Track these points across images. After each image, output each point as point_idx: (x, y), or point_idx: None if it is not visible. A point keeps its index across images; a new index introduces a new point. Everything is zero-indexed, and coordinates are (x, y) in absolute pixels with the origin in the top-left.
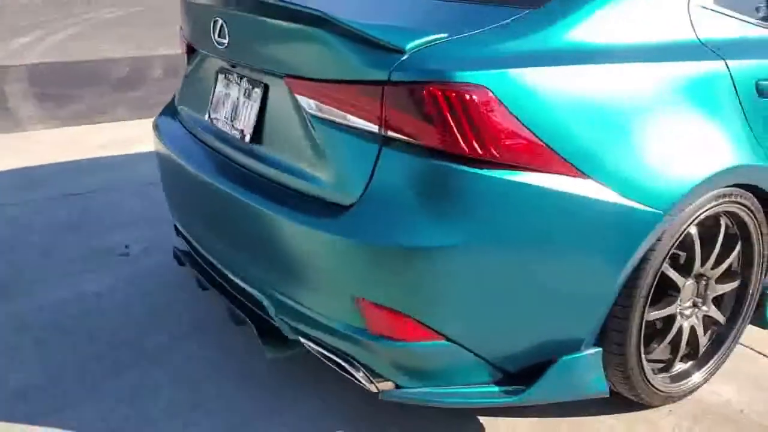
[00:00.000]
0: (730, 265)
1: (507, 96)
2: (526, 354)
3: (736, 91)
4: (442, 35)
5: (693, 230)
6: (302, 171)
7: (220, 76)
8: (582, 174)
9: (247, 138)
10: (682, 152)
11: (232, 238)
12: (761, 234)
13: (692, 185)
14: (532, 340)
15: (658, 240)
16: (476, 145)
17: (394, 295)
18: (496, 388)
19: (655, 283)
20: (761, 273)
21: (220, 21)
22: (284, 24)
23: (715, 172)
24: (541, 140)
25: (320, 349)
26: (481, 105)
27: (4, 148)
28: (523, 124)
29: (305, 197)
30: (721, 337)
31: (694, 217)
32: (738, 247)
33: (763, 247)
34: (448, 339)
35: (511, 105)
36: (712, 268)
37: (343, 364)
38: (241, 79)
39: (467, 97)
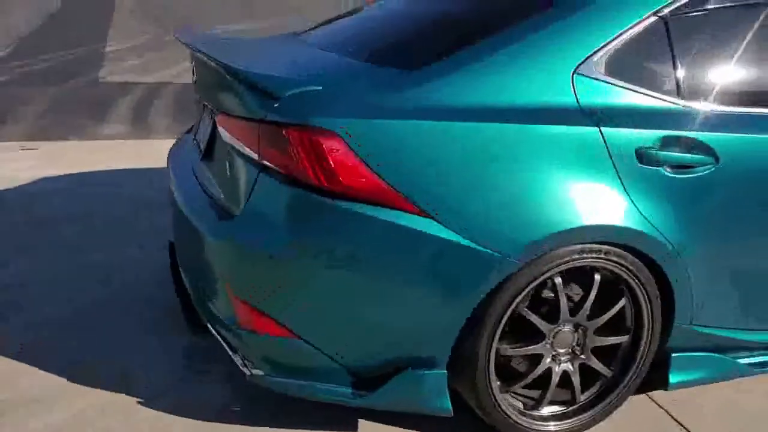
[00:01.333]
0: (623, 320)
1: (356, 142)
2: (374, 363)
3: (611, 156)
4: (316, 87)
5: (558, 279)
6: (220, 185)
7: (204, 106)
8: (426, 214)
9: (202, 152)
10: (536, 206)
11: (183, 240)
12: (647, 294)
13: (543, 236)
14: (378, 352)
15: (506, 282)
16: (323, 179)
17: (254, 294)
18: (345, 389)
19: (504, 320)
20: (651, 333)
21: (193, 62)
22: (213, 70)
23: (571, 227)
24: (386, 181)
25: (218, 336)
26: (328, 147)
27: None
28: (367, 166)
29: (220, 207)
30: (608, 390)
31: (551, 266)
32: (623, 303)
33: (651, 308)
34: (300, 338)
35: (358, 149)
36: (589, 320)
37: (228, 350)
38: (205, 108)
39: (318, 139)
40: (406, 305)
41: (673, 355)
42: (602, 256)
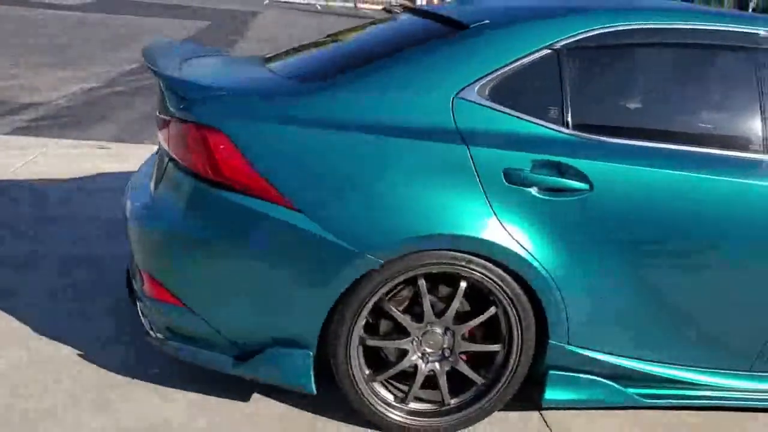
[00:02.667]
0: (497, 330)
1: (241, 140)
2: (251, 338)
3: (477, 173)
4: (220, 92)
5: (421, 281)
6: (154, 177)
7: None
8: (297, 208)
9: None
10: (398, 212)
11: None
12: (515, 307)
13: (400, 239)
14: (253, 328)
15: (365, 277)
16: (209, 170)
17: (154, 267)
18: (226, 358)
19: (363, 312)
20: (521, 346)
21: None
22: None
23: (428, 234)
24: (264, 177)
25: (136, 305)
26: (215, 143)
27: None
28: (249, 162)
29: (147, 196)
30: (480, 397)
31: (411, 269)
32: (491, 313)
33: (520, 321)
34: (188, 308)
35: (242, 147)
36: (455, 324)
37: (141, 316)
38: None
39: (207, 135)
40: (274, 288)
41: (551, 372)
42: (464, 264)
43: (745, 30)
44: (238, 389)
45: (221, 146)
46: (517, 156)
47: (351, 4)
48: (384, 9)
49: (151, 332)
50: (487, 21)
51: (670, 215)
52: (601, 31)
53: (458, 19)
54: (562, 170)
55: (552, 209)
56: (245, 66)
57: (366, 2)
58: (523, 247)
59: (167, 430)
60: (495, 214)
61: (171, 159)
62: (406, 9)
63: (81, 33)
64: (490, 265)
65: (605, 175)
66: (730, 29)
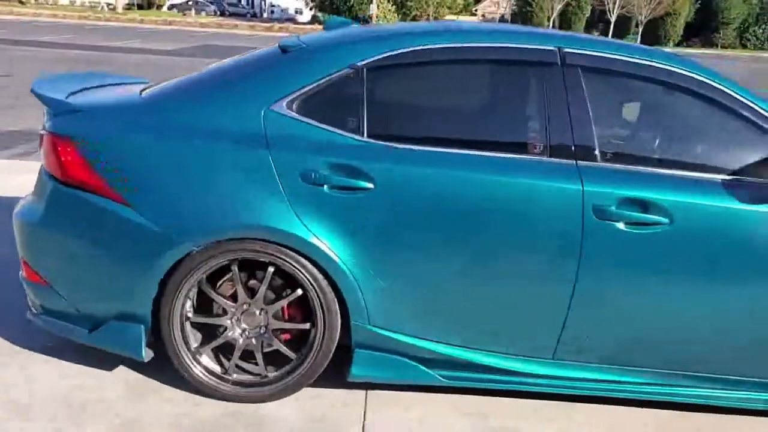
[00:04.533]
0: (307, 311)
1: (84, 146)
2: (99, 312)
3: (277, 174)
4: (76, 108)
5: (234, 267)
6: None
7: None
8: (126, 203)
9: None
10: (209, 207)
11: None
12: (316, 290)
13: (210, 229)
14: (98, 303)
15: (183, 261)
16: (59, 172)
17: (25, 252)
18: (81, 329)
19: (184, 291)
20: (325, 325)
21: None
22: None
23: (233, 225)
24: (103, 177)
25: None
26: (62, 149)
27: None
28: (91, 165)
29: None
30: (294, 369)
31: (222, 254)
32: (297, 295)
33: (322, 302)
34: (50, 286)
35: (86, 153)
36: (267, 305)
37: (27, 298)
38: None
39: (57, 143)
40: (112, 271)
41: (356, 350)
42: (270, 252)
43: (523, 46)
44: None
45: (67, 151)
46: (313, 159)
47: None
48: None
49: (31, 309)
50: (304, 45)
51: (447, 210)
52: (395, 52)
53: (284, 45)
54: (350, 172)
55: (343, 205)
56: (125, 89)
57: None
58: (319, 238)
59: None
60: (292, 208)
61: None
62: None
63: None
64: (291, 253)
65: (388, 175)
66: (508, 46)
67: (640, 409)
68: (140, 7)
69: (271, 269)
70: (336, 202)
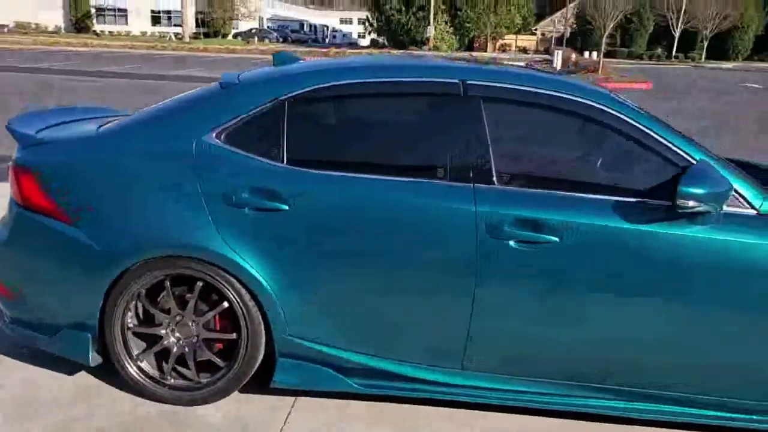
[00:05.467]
0: (234, 321)
1: (42, 176)
2: (56, 322)
3: (202, 196)
4: (39, 141)
5: (167, 282)
6: None
7: None
8: (74, 224)
9: None
10: (142, 227)
11: None
12: (239, 302)
13: (143, 248)
14: (56, 315)
15: (121, 277)
16: (19, 197)
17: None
18: (43, 336)
19: (123, 303)
20: (249, 335)
21: None
22: None
23: (164, 244)
24: (55, 202)
25: None
26: (22, 178)
27: None
28: (46, 191)
29: None
30: (224, 376)
31: (155, 271)
32: (224, 307)
33: (245, 313)
34: (16, 299)
35: (42, 180)
36: (197, 316)
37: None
38: None
39: (18, 173)
40: (63, 286)
41: (279, 358)
42: (198, 268)
43: (430, 80)
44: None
45: (27, 180)
46: (236, 184)
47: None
48: None
49: (4, 320)
50: (238, 81)
51: (355, 229)
52: (313, 87)
53: (222, 81)
54: (268, 194)
55: (262, 225)
56: (91, 124)
57: (508, 60)
58: (241, 256)
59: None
60: (217, 229)
61: None
62: None
63: None
64: (216, 269)
65: (300, 198)
66: (416, 80)
67: (548, 419)
68: (207, 36)
69: (199, 284)
70: (256, 222)
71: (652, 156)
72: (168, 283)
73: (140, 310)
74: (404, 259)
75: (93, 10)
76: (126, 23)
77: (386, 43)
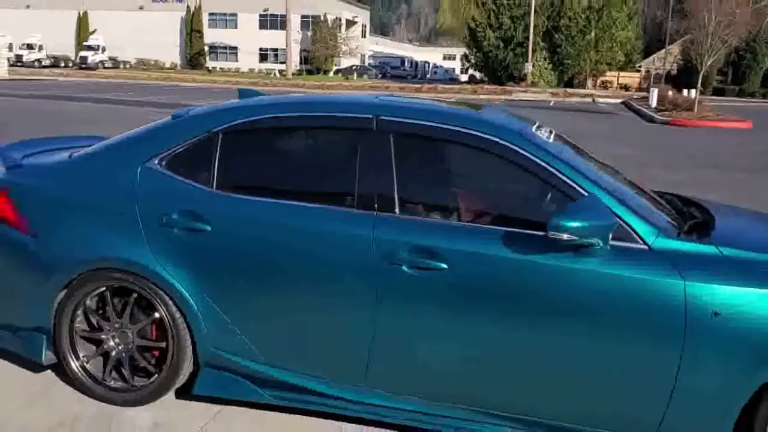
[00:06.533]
0: (163, 331)
1: (14, 193)
2: (15, 323)
3: (140, 217)
4: (14, 165)
5: (107, 292)
6: None
7: None
8: (33, 235)
9: None
10: (84, 242)
11: None
12: (167, 314)
13: (82, 261)
14: (14, 318)
15: (68, 286)
16: None
17: None
18: (5, 336)
19: (71, 310)
20: (176, 345)
21: None
22: None
23: (100, 257)
24: (21, 215)
25: None
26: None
27: None
28: (14, 206)
29: None
30: (156, 380)
31: (95, 282)
32: (156, 317)
33: (172, 325)
34: None
35: (13, 197)
36: (132, 324)
37: None
38: None
39: None
40: (23, 289)
41: (203, 368)
42: (132, 281)
43: (347, 115)
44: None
45: (3, 199)
46: (167, 206)
47: (589, 99)
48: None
49: None
50: (184, 114)
51: (268, 250)
52: (242, 121)
53: (173, 114)
54: (193, 216)
55: (187, 244)
56: (68, 152)
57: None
58: (168, 272)
59: None
60: (149, 246)
61: None
62: None
63: None
64: (147, 283)
65: (221, 220)
66: (335, 115)
67: None
68: (309, 72)
69: (134, 295)
70: (182, 241)
71: (547, 189)
72: (108, 294)
73: (89, 317)
74: (311, 281)
75: (206, 48)
76: (236, 60)
77: (484, 78)
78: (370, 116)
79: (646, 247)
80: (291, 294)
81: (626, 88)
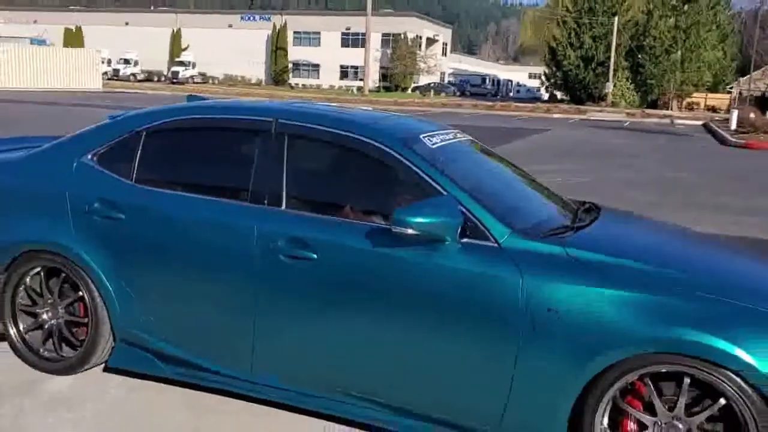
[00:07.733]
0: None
1: None
2: None
3: (69, 205)
4: None
5: (42, 272)
6: None
7: None
8: None
9: None
10: (23, 229)
11: None
12: (87, 293)
13: (20, 244)
14: None
15: (9, 266)
16: None
17: None
18: None
19: (8, 290)
20: (92, 321)
21: None
22: None
23: (34, 241)
24: None
25: None
26: None
27: None
28: None
29: None
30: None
31: (29, 262)
32: (81, 294)
33: (91, 302)
34: None
35: None
36: (62, 301)
37: None
38: None
39: None
40: None
41: (118, 343)
42: (60, 262)
43: (251, 118)
44: None
45: None
46: (92, 195)
47: (667, 120)
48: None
49: None
50: (119, 116)
51: (169, 238)
52: (160, 122)
53: (110, 116)
54: (111, 205)
55: (105, 231)
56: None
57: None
58: (89, 255)
59: None
60: (75, 232)
61: None
62: None
63: None
64: (71, 264)
65: (132, 209)
66: (242, 117)
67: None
68: (387, 89)
69: (63, 275)
70: (101, 228)
71: (415, 190)
72: (43, 273)
73: (29, 293)
74: (204, 268)
75: (290, 65)
76: (318, 77)
77: (564, 97)
78: (271, 119)
79: (496, 245)
80: (187, 280)
81: (714, 110)
